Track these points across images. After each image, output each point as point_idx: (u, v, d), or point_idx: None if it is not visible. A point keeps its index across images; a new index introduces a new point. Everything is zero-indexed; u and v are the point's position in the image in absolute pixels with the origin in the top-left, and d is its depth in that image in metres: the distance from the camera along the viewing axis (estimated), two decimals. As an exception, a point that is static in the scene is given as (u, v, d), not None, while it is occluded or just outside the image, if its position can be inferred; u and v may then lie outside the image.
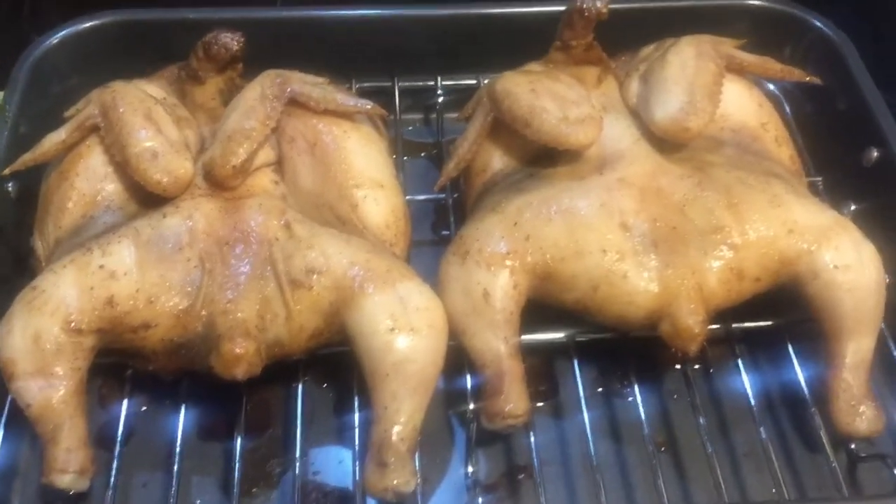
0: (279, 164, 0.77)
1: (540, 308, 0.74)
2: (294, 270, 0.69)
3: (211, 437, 0.72)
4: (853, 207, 0.84)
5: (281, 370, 0.72)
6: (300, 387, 0.72)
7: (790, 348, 0.75)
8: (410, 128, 0.98)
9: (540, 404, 0.76)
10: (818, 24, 0.91)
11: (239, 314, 0.67)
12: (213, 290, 0.68)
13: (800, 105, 0.94)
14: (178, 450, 0.69)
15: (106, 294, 0.66)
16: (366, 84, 0.95)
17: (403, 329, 0.66)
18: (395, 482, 0.64)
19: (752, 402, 0.72)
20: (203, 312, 0.67)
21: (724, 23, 0.90)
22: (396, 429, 0.65)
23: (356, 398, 0.71)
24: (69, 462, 0.64)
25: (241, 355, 0.65)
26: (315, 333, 0.70)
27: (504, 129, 0.78)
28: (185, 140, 0.75)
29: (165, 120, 0.74)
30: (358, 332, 0.68)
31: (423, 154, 0.95)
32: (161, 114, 0.74)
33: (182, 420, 0.70)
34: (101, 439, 0.71)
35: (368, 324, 0.67)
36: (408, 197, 0.84)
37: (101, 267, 0.67)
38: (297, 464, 0.68)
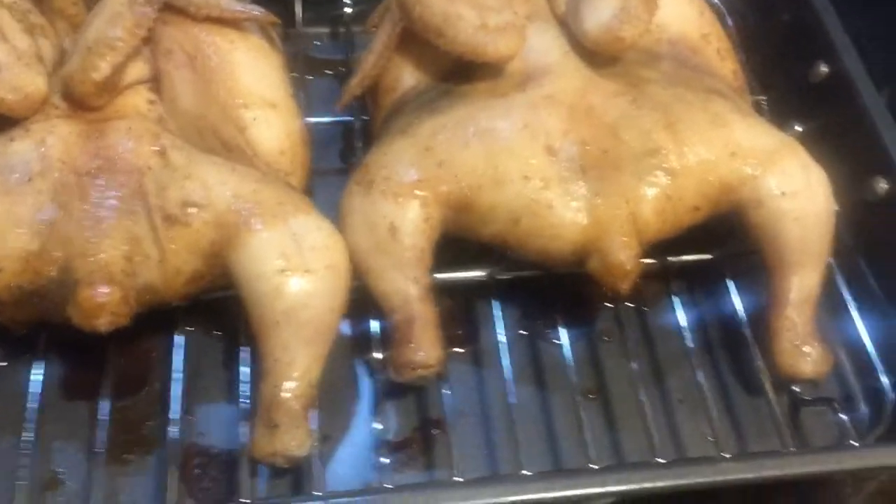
0: (156, 82, 0.66)
1: (458, 244, 0.65)
2: (169, 204, 0.59)
3: (76, 397, 0.63)
4: (799, 128, 0.77)
5: (159, 318, 0.62)
6: (182, 337, 0.63)
7: (730, 284, 0.69)
8: (318, 43, 0.87)
9: (459, 350, 0.69)
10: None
11: (101, 255, 0.57)
12: (70, 228, 0.58)
13: (742, 17, 0.85)
14: (35, 412, 0.59)
15: None
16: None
17: (296, 270, 0.58)
18: (285, 445, 0.56)
19: (689, 343, 0.66)
20: (57, 254, 0.58)
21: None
22: (288, 384, 0.57)
23: (248, 349, 0.62)
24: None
25: (102, 304, 0.56)
26: (194, 277, 0.60)
27: (416, 40, 0.68)
28: (38, 51, 0.63)
29: (13, 27, 0.63)
30: (244, 275, 0.59)
31: (329, 72, 0.85)
32: (7, 20, 0.63)
33: (42, 378, 0.61)
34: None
35: (255, 265, 0.58)
36: (311, 119, 0.74)
37: None
38: (179, 425, 0.59)
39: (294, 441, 0.56)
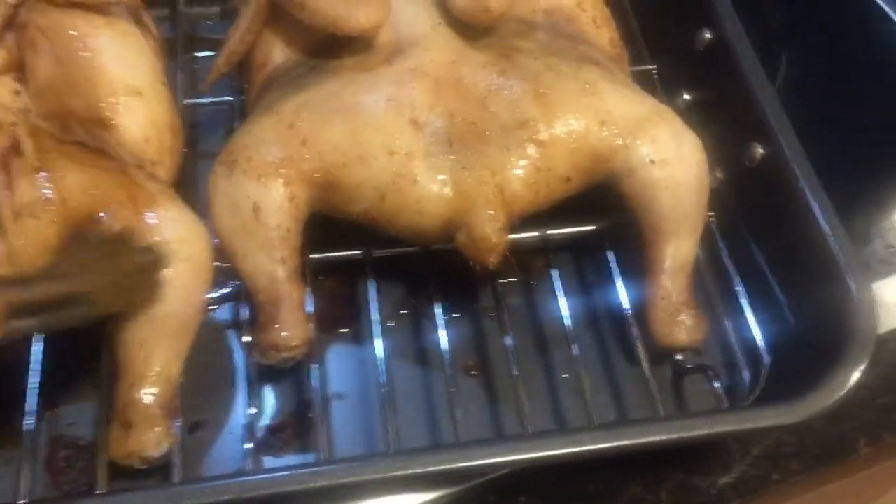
0: (21, 72, 0.64)
1: (340, 224, 0.64)
2: (18, 198, 0.57)
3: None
4: (686, 97, 0.76)
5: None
6: (36, 345, 0.61)
7: (610, 256, 0.68)
8: (208, 22, 0.85)
9: (344, 331, 0.67)
10: None
11: None
12: None
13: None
14: None
15: None
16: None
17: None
18: (141, 446, 0.55)
19: (568, 317, 0.65)
20: None
21: None
22: (144, 383, 0.55)
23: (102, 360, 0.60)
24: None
25: None
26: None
27: (286, 15, 0.67)
28: None
29: None
30: None
31: (213, 53, 0.82)
32: None
33: None
34: None
35: None
36: (193, 101, 0.73)
37: None
38: (44, 417, 0.58)
39: (150, 441, 0.55)
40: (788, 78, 0.81)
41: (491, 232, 0.59)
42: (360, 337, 0.67)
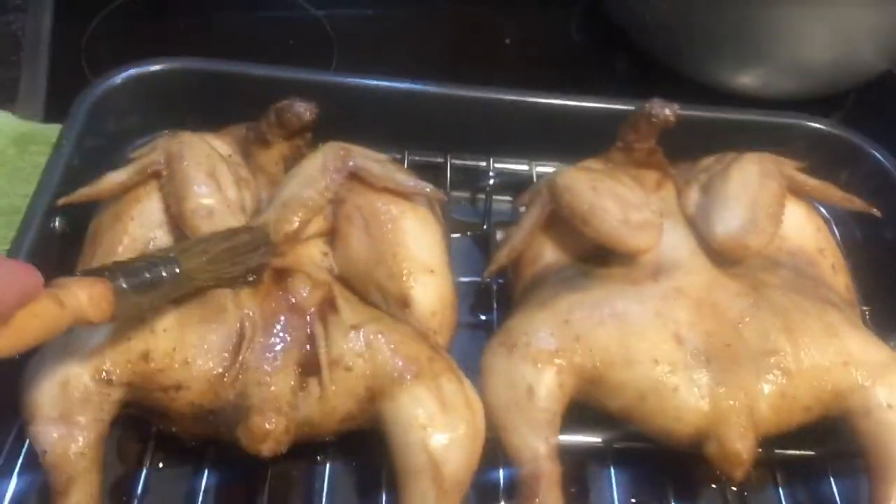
0: (331, 237, 0.75)
1: (578, 407, 0.72)
2: (335, 350, 0.67)
3: (230, 504, 0.70)
4: (899, 342, 0.83)
5: (308, 443, 0.69)
6: (327, 464, 0.70)
7: (832, 482, 0.73)
8: (458, 206, 0.97)
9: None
10: (876, 153, 0.91)
11: (273, 388, 0.65)
12: (251, 358, 0.66)
13: (849, 231, 0.93)
14: (197, 513, 0.66)
15: (143, 347, 0.64)
16: (418, 157, 0.94)
17: (440, 427, 0.64)
18: None
19: (790, 534, 0.70)
20: (237, 381, 0.65)
21: (781, 140, 0.90)
22: None
23: (383, 484, 0.68)
24: None
25: (269, 431, 0.63)
26: (347, 417, 0.67)
27: (559, 222, 0.78)
28: (243, 202, 0.74)
29: (227, 179, 0.73)
30: (392, 424, 0.65)
31: (468, 233, 0.94)
32: (224, 172, 0.73)
33: (203, 484, 0.68)
34: (115, 494, 0.68)
35: (404, 417, 0.65)
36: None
37: (142, 319, 0.65)
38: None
39: None
40: None
41: (742, 448, 0.66)
42: (590, 519, 0.73)
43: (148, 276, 0.59)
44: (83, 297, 0.53)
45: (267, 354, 0.66)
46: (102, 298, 0.55)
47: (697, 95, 0.99)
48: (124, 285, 0.57)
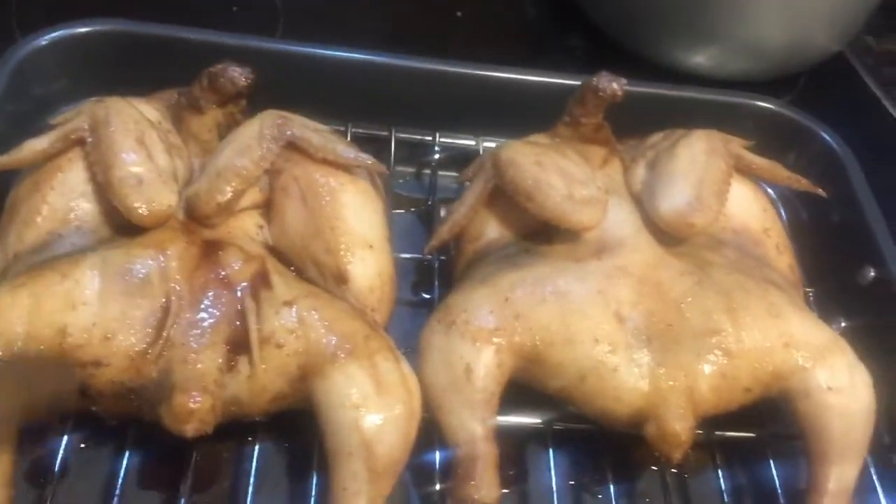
0: (267, 209, 0.73)
1: (518, 389, 0.70)
2: (266, 326, 0.64)
3: (153, 485, 0.67)
4: (843, 324, 0.82)
5: (236, 423, 0.67)
6: (257, 445, 0.68)
7: (772, 464, 0.73)
8: (401, 181, 0.95)
9: (506, 490, 0.72)
10: (824, 135, 0.91)
11: (199, 365, 0.62)
12: (176, 335, 0.63)
13: (796, 212, 0.93)
14: (116, 496, 0.63)
15: (60, 322, 0.61)
16: (361, 130, 0.92)
17: (374, 406, 0.62)
18: None
19: (729, 516, 0.69)
20: (161, 358, 0.62)
21: (731, 119, 0.89)
22: None
23: (314, 465, 0.66)
24: None
25: (194, 410, 0.60)
26: (277, 396, 0.65)
27: (503, 198, 0.76)
28: (175, 170, 0.70)
29: (157, 146, 0.70)
30: (324, 403, 0.63)
31: (412, 209, 0.91)
32: (154, 139, 0.70)
33: (125, 464, 0.65)
34: (32, 474, 0.65)
35: (337, 396, 0.63)
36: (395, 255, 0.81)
37: (60, 292, 0.61)
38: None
39: None
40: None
41: (680, 429, 0.65)
42: (526, 499, 0.72)
43: None
44: None
45: (194, 330, 0.63)
46: None
47: (651, 74, 0.98)
48: None
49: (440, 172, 0.92)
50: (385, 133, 0.91)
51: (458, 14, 1.19)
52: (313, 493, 0.65)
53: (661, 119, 0.85)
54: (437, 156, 0.92)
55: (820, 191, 0.81)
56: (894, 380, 0.74)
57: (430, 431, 0.67)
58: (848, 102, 1.13)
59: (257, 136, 0.71)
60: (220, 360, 0.63)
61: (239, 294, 0.65)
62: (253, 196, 0.72)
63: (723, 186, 0.74)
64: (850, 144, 0.91)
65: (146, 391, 0.62)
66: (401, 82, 0.90)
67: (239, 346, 0.64)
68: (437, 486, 0.67)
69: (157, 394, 0.62)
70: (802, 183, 0.80)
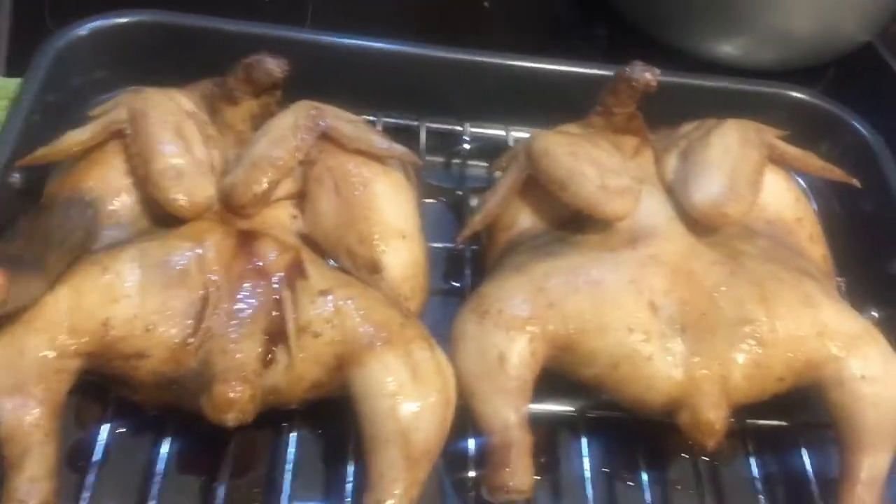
0: (301, 199, 0.73)
1: (551, 376, 0.71)
2: (303, 316, 0.65)
3: (192, 472, 0.68)
4: (875, 314, 0.82)
5: (273, 411, 0.67)
6: (293, 433, 0.68)
7: (804, 452, 0.73)
8: (431, 171, 0.95)
9: (538, 478, 0.72)
10: (857, 125, 0.90)
11: (238, 355, 0.62)
12: (215, 325, 0.63)
13: (827, 202, 0.92)
14: (155, 482, 0.64)
15: (102, 315, 0.62)
16: (391, 120, 0.92)
17: (411, 394, 0.63)
18: None
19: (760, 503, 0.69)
20: (200, 349, 0.63)
21: (763, 109, 0.89)
22: (390, 501, 0.61)
23: (350, 453, 0.67)
24: (31, 493, 0.58)
25: (234, 400, 0.60)
26: (315, 385, 0.66)
27: (536, 187, 0.76)
28: (212, 161, 0.71)
29: (195, 137, 0.71)
30: (361, 391, 0.64)
31: (442, 199, 0.92)
32: (192, 130, 0.71)
33: (165, 451, 0.66)
34: (72, 460, 0.66)
35: (373, 384, 0.63)
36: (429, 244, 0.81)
37: (101, 286, 0.62)
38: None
39: None
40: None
41: (714, 418, 0.65)
42: (559, 487, 0.72)
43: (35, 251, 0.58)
44: None
45: (232, 321, 0.64)
46: None
47: (678, 64, 0.97)
48: (15, 270, 0.55)
49: (469, 162, 0.92)
50: (415, 123, 0.92)
51: (486, 4, 1.19)
52: (349, 479, 0.66)
53: (694, 109, 0.85)
54: (466, 146, 0.93)
55: (853, 181, 0.80)
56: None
57: (465, 419, 0.68)
58: (877, 92, 1.13)
59: (292, 126, 0.72)
60: (259, 350, 0.64)
61: (275, 284, 0.66)
62: (287, 186, 0.72)
63: (757, 176, 0.74)
64: (879, 134, 0.90)
65: (187, 381, 0.63)
66: (430, 72, 0.91)
67: (277, 335, 0.64)
68: (471, 473, 0.68)
69: (198, 384, 0.62)
70: (836, 173, 0.80)
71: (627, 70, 0.77)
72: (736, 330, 0.68)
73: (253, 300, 0.65)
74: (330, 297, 0.66)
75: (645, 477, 0.70)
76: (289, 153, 0.71)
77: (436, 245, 0.82)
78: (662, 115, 0.83)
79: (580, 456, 0.70)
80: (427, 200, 0.90)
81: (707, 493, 0.70)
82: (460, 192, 0.90)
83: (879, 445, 0.68)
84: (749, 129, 0.77)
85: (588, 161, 0.73)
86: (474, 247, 0.82)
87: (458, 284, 0.82)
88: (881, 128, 0.91)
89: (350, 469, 0.67)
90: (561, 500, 0.72)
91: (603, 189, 0.72)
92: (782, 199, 0.78)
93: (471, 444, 0.69)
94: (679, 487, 0.73)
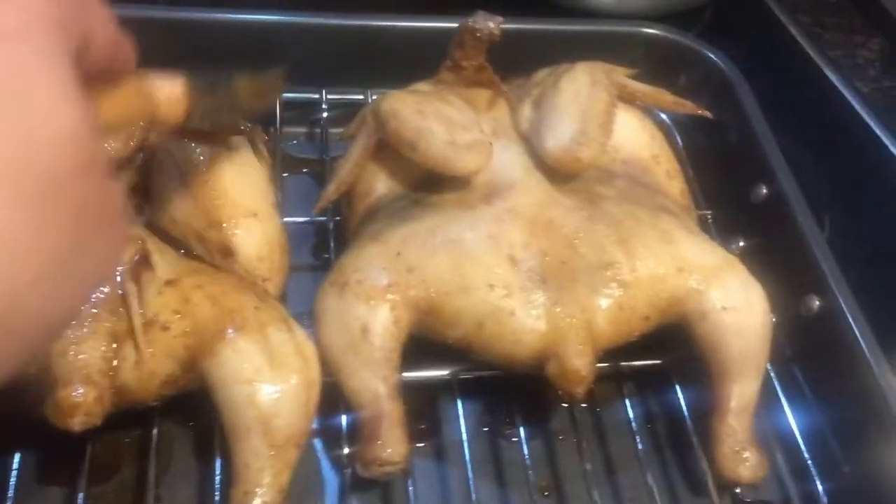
0: (145, 188, 0.70)
1: (423, 343, 0.69)
2: (150, 309, 0.62)
3: (52, 482, 0.65)
4: (742, 243, 0.83)
5: (133, 410, 0.64)
6: (154, 430, 0.66)
7: (677, 389, 0.73)
8: (294, 142, 0.92)
9: (420, 445, 0.72)
10: (712, 56, 0.90)
11: (80, 356, 0.59)
12: None
13: (691, 136, 0.93)
14: (9, 497, 0.61)
15: None
16: (244, 92, 0.88)
17: (269, 379, 0.60)
18: None
19: (639, 444, 0.70)
20: (39, 353, 0.59)
21: (619, 49, 0.89)
22: (259, 490, 0.59)
23: (216, 445, 0.65)
24: None
25: (78, 403, 0.57)
26: (168, 380, 0.63)
27: (390, 151, 0.74)
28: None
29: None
30: (217, 382, 0.61)
31: (305, 171, 0.89)
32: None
33: (19, 466, 0.63)
34: None
35: (229, 373, 0.61)
36: (285, 219, 0.78)
37: None
38: (150, 512, 0.62)
39: None
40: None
41: (580, 365, 0.65)
42: (441, 451, 0.72)
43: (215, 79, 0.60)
44: (161, 95, 0.53)
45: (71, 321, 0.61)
46: (179, 99, 0.55)
47: (549, 13, 0.96)
48: (198, 86, 0.56)
49: (332, 130, 0.89)
50: (269, 95, 0.88)
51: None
52: (217, 473, 0.64)
53: (550, 55, 0.83)
54: (325, 113, 0.90)
55: (705, 112, 0.80)
56: (792, 292, 0.75)
57: (335, 396, 0.66)
58: (756, 34, 1.13)
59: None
60: (104, 349, 0.60)
61: (119, 278, 0.63)
62: (128, 177, 0.69)
63: (607, 117, 0.73)
64: (758, 73, 0.90)
65: (27, 388, 0.60)
66: (279, 40, 0.87)
67: (123, 332, 0.61)
68: (346, 450, 0.66)
69: (39, 391, 0.59)
70: (687, 106, 0.80)
71: (470, 21, 0.75)
72: (597, 275, 0.68)
73: (94, 297, 0.62)
74: (178, 288, 0.63)
75: (524, 431, 0.70)
76: (121, 143, 0.67)
77: (300, 220, 0.80)
78: (518, 64, 0.81)
79: (458, 418, 0.70)
80: (290, 175, 0.88)
81: (585, 440, 0.70)
82: (326, 159, 0.87)
83: (746, 373, 0.69)
84: (598, 71, 0.76)
85: (437, 118, 0.72)
86: (338, 217, 0.80)
87: (327, 256, 0.79)
88: (761, 67, 0.91)
89: (218, 462, 0.64)
90: (444, 464, 0.71)
91: (452, 145, 0.70)
92: (637, 137, 0.78)
93: (343, 420, 0.67)
94: (561, 437, 0.73)
